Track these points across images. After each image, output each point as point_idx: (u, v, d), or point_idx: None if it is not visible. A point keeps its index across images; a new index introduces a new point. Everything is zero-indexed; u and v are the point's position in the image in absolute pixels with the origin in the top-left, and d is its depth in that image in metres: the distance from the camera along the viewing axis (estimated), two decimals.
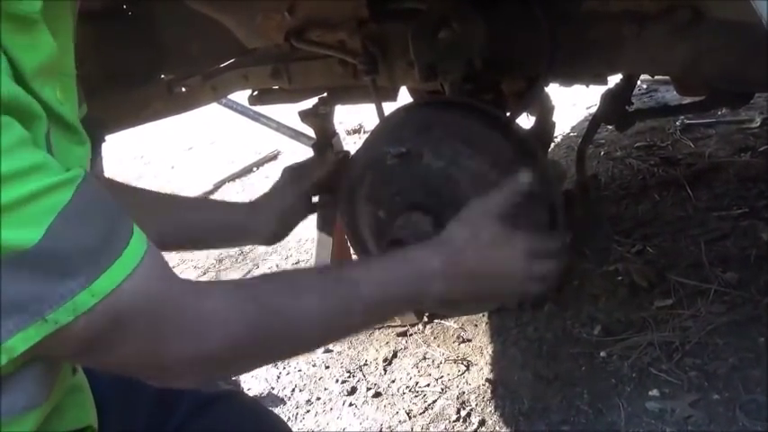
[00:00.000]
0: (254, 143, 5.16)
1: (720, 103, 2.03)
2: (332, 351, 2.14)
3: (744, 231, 2.24)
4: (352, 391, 1.92)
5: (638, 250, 2.26)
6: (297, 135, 2.96)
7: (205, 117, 6.33)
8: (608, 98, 2.02)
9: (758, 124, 3.14)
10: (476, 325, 2.10)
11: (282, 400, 1.97)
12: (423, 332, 2.12)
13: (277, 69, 2.04)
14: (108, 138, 2.00)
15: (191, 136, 5.93)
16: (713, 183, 2.64)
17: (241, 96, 2.37)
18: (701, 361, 1.73)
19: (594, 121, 2.10)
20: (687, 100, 2.26)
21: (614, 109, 1.99)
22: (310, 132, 2.29)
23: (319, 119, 2.19)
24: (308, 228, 3.24)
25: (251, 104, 2.26)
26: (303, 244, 3.09)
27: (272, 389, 2.03)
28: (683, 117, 3.40)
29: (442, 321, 2.14)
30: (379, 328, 2.20)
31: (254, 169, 4.53)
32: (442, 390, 1.84)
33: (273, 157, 4.64)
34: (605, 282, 2.14)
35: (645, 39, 1.57)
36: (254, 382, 2.09)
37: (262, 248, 3.16)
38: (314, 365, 2.10)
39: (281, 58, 2.03)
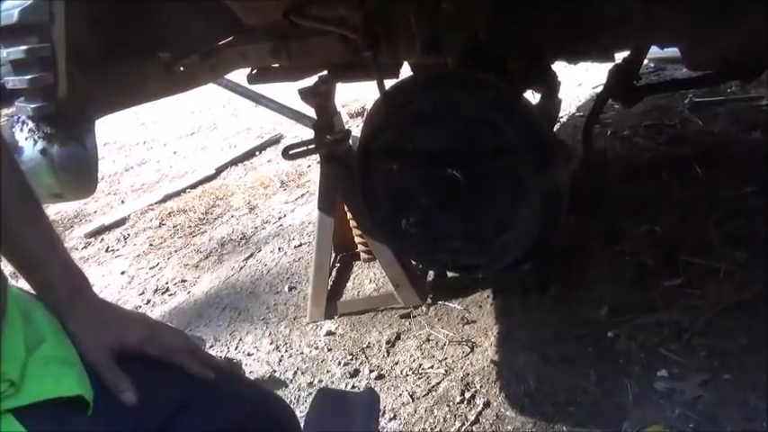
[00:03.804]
0: (256, 127, 5.12)
1: (731, 77, 1.98)
2: (334, 333, 2.12)
3: (754, 210, 2.19)
4: (355, 373, 1.90)
5: (646, 230, 2.22)
6: (298, 116, 2.91)
7: (207, 102, 6.32)
8: (615, 73, 1.98)
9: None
10: (480, 306, 2.06)
11: (284, 382, 1.94)
12: (426, 314, 2.08)
13: (276, 47, 2.00)
14: (105, 119, 1.96)
15: (193, 121, 5.90)
16: (722, 161, 2.58)
17: (242, 77, 2.32)
18: (711, 341, 1.68)
19: (602, 97, 2.07)
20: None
21: (622, 84, 1.95)
22: (312, 114, 2.24)
23: (320, 97, 2.15)
24: (309, 212, 3.23)
25: (250, 83, 2.21)
26: (306, 227, 3.06)
27: (274, 372, 2.00)
28: (691, 95, 3.34)
29: (447, 303, 2.11)
30: (383, 310, 2.17)
31: (257, 153, 4.49)
32: (446, 371, 1.80)
33: (276, 140, 4.60)
34: (613, 262, 2.10)
35: (653, 10, 1.53)
36: (255, 365, 2.06)
37: (264, 233, 3.14)
38: (316, 348, 2.07)
39: (280, 36, 1.99)
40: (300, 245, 2.87)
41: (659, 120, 3.18)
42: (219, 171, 4.24)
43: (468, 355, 1.85)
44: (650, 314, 1.83)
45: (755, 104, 3.10)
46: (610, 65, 1.99)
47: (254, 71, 2.18)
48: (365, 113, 4.67)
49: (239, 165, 4.32)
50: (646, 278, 1.98)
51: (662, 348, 1.70)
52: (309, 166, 3.91)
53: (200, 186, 4.05)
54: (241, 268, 2.81)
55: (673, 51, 3.46)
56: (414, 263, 2.18)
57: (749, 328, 1.69)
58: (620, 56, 2.03)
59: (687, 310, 1.80)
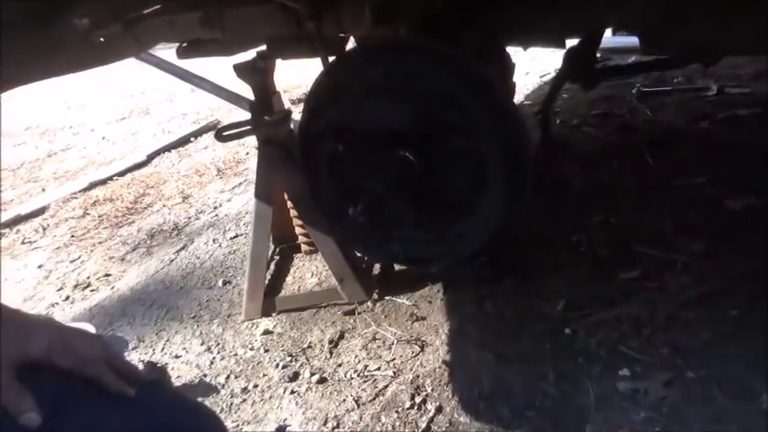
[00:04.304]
0: (192, 113, 4.87)
1: (692, 61, 1.90)
2: (272, 333, 1.94)
3: (708, 200, 2.13)
4: (295, 376, 1.73)
5: (600, 220, 2.13)
6: (235, 98, 2.71)
7: (140, 85, 5.99)
8: (573, 55, 1.88)
9: (715, 92, 3.07)
10: (430, 302, 1.92)
11: (216, 388, 1.76)
12: (372, 310, 1.94)
13: (208, 16, 1.81)
14: (26, 98, 1.72)
15: (124, 105, 5.58)
16: (673, 151, 2.54)
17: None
18: (672, 337, 1.60)
19: (558, 80, 1.96)
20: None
21: (581, 66, 1.84)
22: (250, 95, 2.05)
23: (258, 74, 1.96)
24: (247, 201, 3.04)
25: (180, 58, 2.00)
26: (243, 217, 2.86)
27: (204, 376, 1.81)
28: (639, 85, 3.32)
29: (394, 298, 1.96)
30: (325, 307, 2.01)
31: (192, 139, 4.27)
32: (395, 374, 1.66)
33: (213, 126, 4.37)
34: (567, 253, 2.00)
35: None
36: (184, 368, 1.87)
37: (198, 223, 2.93)
38: (251, 349, 1.89)
39: (212, 3, 1.79)
40: (237, 236, 2.69)
41: (608, 109, 3.13)
42: (151, 158, 4.01)
43: (417, 355, 1.71)
44: (608, 309, 1.74)
45: (702, 95, 3.09)
46: (558, 54, 1.89)
47: (185, 44, 1.98)
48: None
49: (173, 151, 4.09)
50: (602, 270, 1.89)
51: (622, 345, 1.60)
52: (248, 153, 3.72)
53: (129, 174, 3.80)
54: (171, 261, 2.60)
55: (620, 41, 3.49)
56: (359, 255, 2.02)
57: (711, 323, 1.62)
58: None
59: (646, 305, 1.72)
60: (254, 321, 2.01)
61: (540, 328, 1.72)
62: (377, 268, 2.11)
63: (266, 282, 2.06)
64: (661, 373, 1.50)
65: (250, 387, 1.73)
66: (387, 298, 1.97)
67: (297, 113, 3.35)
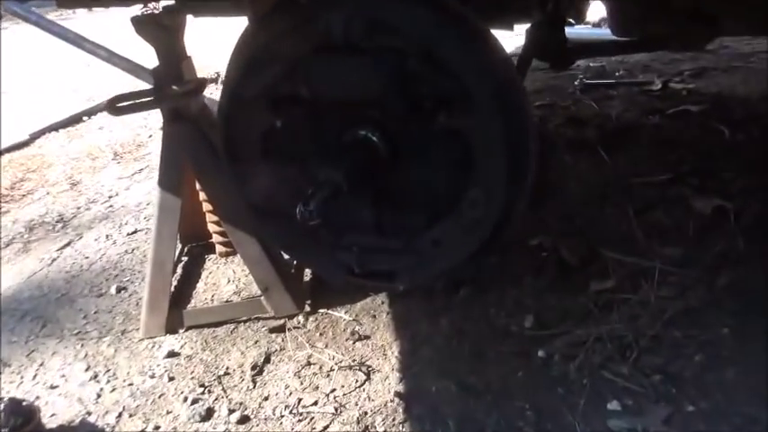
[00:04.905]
0: (85, 89, 4.32)
1: (664, 46, 1.69)
2: (178, 355, 1.57)
3: (673, 200, 1.96)
4: (208, 414, 1.37)
5: (562, 221, 1.90)
6: (135, 68, 2.27)
7: (24, 55, 5.30)
8: (541, 29, 1.61)
9: (659, 87, 2.95)
10: (374, 316, 1.62)
11: (103, 430, 1.37)
12: (304, 326, 1.61)
13: None
14: None
15: (4, 77, 4.89)
16: (628, 146, 2.36)
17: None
18: (662, 360, 1.38)
19: (523, 57, 1.69)
20: None
21: (550, 42, 1.58)
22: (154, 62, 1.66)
23: (164, 32, 1.58)
24: (149, 191, 2.61)
25: (60, 6, 1.58)
26: (143, 209, 2.45)
27: (89, 414, 1.42)
28: (581, 76, 3.17)
29: (331, 311, 1.64)
30: (246, 322, 1.65)
31: (85, 118, 3.78)
32: (336, 410, 1.34)
33: None
34: (530, 259, 1.75)
35: None
36: (61, 404, 1.46)
37: (88, 215, 2.49)
38: (152, 376, 1.51)
39: None
40: (135, 231, 2.29)
41: (553, 100, 2.94)
42: (34, 138, 3.59)
43: (363, 384, 1.40)
44: (584, 326, 1.49)
45: (647, 89, 2.96)
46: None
47: None
48: (219, 80, 4.07)
49: (61, 131, 3.62)
50: (570, 280, 1.66)
51: (606, 371, 1.37)
52: (151, 135, 3.30)
53: (6, 155, 3.28)
54: (53, 261, 2.17)
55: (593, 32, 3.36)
56: (287, 258, 1.68)
57: (701, 343, 1.41)
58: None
59: (627, 321, 1.50)
60: (156, 340, 1.64)
61: (508, 349, 1.46)
62: (308, 273, 1.77)
63: (171, 289, 1.68)
64: (657, 407, 1.27)
65: (149, 429, 1.36)
66: (321, 311, 1.65)
67: (207, 94, 2.91)
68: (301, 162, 1.08)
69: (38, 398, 1.48)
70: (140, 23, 1.54)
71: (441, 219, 1.02)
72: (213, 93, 3.60)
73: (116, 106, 1.55)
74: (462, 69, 0.90)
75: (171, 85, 1.58)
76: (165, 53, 1.62)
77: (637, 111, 2.72)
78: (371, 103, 0.98)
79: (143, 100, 1.57)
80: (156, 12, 1.58)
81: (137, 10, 1.68)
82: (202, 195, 1.74)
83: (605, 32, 2.45)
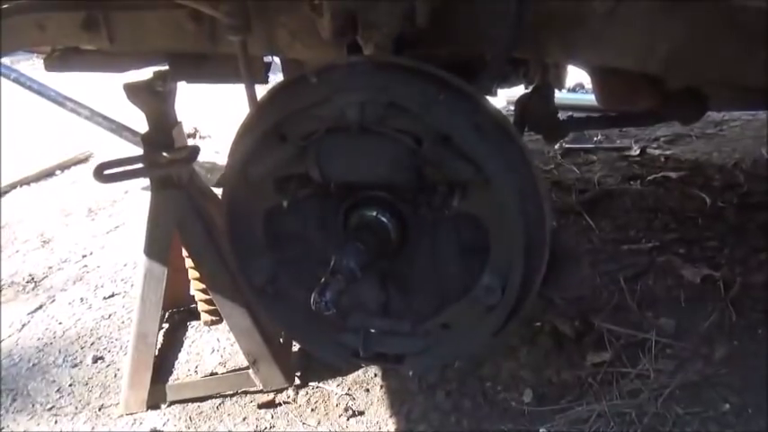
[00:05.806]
0: (61, 141, 4.24)
1: (661, 119, 1.71)
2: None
3: (662, 268, 1.97)
4: None
5: None
6: (117, 128, 2.23)
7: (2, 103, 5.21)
8: (533, 100, 1.62)
9: (638, 152, 3.01)
10: (367, 390, 1.57)
11: None
12: (295, 401, 1.55)
13: (92, 19, 1.42)
14: None
15: None
16: (611, 211, 2.39)
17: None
18: None
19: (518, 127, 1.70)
20: None
21: (542, 114, 1.59)
22: (140, 123, 1.63)
23: (155, 99, 1.56)
24: (126, 251, 2.53)
25: (48, 70, 1.55)
26: (119, 271, 2.36)
27: None
28: (562, 141, 3.21)
29: (322, 385, 1.58)
30: (232, 396, 1.58)
31: (58, 172, 3.70)
32: None
33: (84, 159, 3.82)
34: (522, 329, 1.72)
35: (619, 16, 1.17)
36: None
37: (61, 275, 2.40)
38: None
39: (98, 3, 1.39)
40: (112, 295, 2.21)
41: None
42: (5, 192, 3.41)
43: None
44: (584, 401, 1.46)
45: (626, 154, 3.01)
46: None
47: (56, 52, 1.54)
48: (196, 135, 4.04)
49: (32, 185, 3.48)
50: (566, 351, 1.64)
51: None
52: (127, 191, 3.22)
53: None
54: (24, 326, 2.09)
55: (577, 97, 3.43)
56: (276, 328, 1.62)
57: (704, 420, 1.38)
58: None
59: (627, 397, 1.46)
60: (137, 416, 1.56)
61: (510, 427, 1.41)
62: (296, 344, 1.72)
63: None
64: None
65: None
66: (312, 384, 1.59)
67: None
68: (308, 243, 1.05)
69: None
70: (132, 90, 1.51)
71: (452, 302, 1.00)
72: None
73: (103, 174, 1.51)
74: (479, 154, 0.88)
75: (161, 152, 1.55)
76: (156, 118, 1.59)
77: (617, 176, 2.76)
78: (383, 185, 0.96)
79: (132, 167, 1.53)
80: (149, 78, 1.55)
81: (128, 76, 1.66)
82: (188, 262, 1.68)
83: (589, 97, 2.49)
